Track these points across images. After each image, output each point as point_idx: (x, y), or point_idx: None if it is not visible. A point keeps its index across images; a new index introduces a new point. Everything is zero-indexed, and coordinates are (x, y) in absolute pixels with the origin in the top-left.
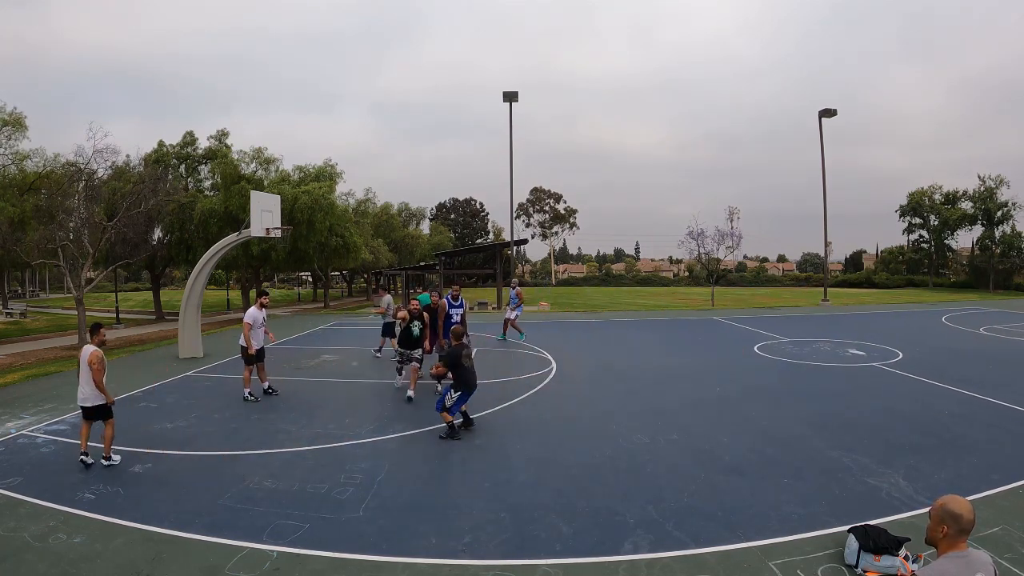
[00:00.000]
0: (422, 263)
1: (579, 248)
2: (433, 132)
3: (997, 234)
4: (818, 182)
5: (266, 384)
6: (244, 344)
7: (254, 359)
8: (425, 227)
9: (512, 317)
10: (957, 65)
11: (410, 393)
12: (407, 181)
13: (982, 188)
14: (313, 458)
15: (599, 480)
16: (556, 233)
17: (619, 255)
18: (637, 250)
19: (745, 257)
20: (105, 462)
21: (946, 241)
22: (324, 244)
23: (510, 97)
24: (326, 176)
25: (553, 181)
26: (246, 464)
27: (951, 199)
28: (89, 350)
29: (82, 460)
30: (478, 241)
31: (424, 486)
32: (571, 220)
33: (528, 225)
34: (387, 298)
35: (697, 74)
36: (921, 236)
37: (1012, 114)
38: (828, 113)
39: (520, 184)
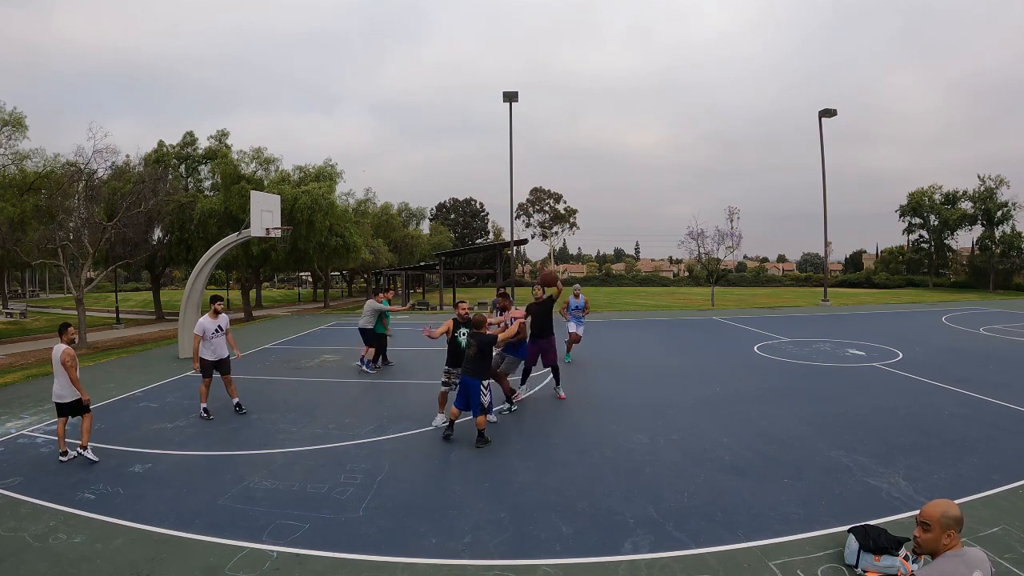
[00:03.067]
0: (422, 263)
1: (579, 248)
2: (433, 132)
3: (997, 234)
4: (818, 182)
5: (235, 400)
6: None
7: (210, 370)
8: (425, 227)
9: (580, 332)
10: (957, 65)
11: (440, 421)
12: (407, 181)
13: (982, 188)
14: (313, 458)
15: (599, 480)
16: (556, 233)
17: (619, 255)
18: (637, 250)
19: (745, 257)
20: (82, 451)
21: (946, 241)
22: (324, 244)
23: (510, 97)
24: (326, 176)
25: (553, 181)
26: (246, 464)
27: (951, 199)
28: (60, 349)
29: (60, 460)
30: (478, 241)
31: (424, 486)
32: (571, 220)
33: (528, 225)
34: (370, 303)
35: (697, 74)
36: (921, 236)
37: (1012, 114)
38: (828, 113)
39: (520, 184)
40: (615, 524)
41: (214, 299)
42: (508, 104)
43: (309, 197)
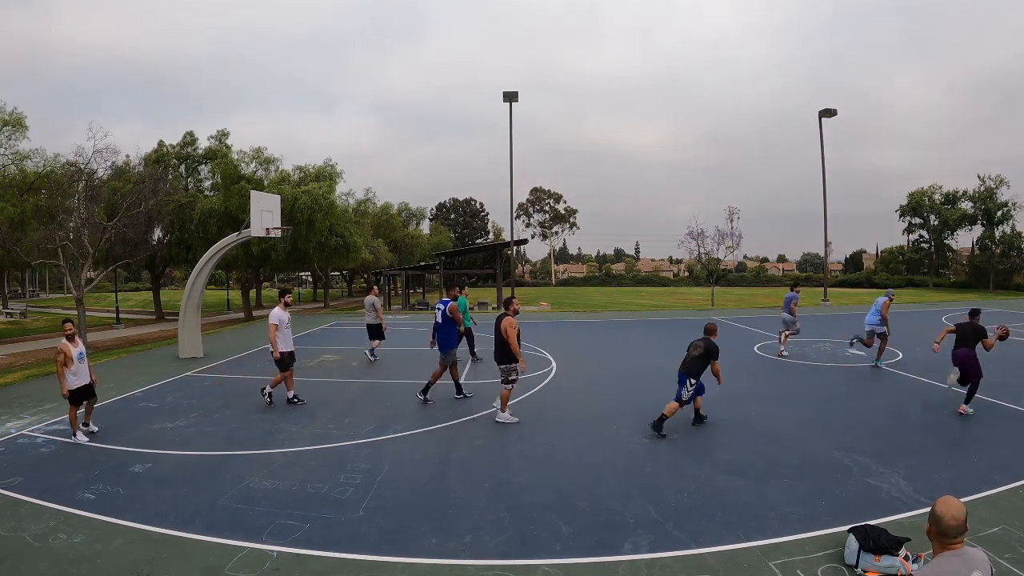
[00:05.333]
0: (422, 263)
1: (579, 248)
2: (433, 132)
3: (997, 234)
4: (818, 182)
5: (291, 393)
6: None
7: (290, 363)
8: (425, 227)
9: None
10: (957, 65)
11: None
12: (407, 181)
13: (982, 188)
14: (313, 458)
15: (599, 480)
16: (556, 233)
17: (619, 255)
18: (637, 250)
19: (745, 257)
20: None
21: (946, 241)
22: (324, 244)
23: (510, 97)
24: (326, 176)
25: (553, 181)
26: (246, 464)
27: (951, 199)
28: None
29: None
30: (478, 241)
31: (424, 486)
32: (571, 220)
33: (528, 225)
34: (371, 299)
35: (697, 74)
36: (921, 236)
37: (1012, 114)
38: (828, 113)
39: (520, 184)
40: (615, 524)
41: (283, 292)
42: (508, 104)
43: (309, 197)
